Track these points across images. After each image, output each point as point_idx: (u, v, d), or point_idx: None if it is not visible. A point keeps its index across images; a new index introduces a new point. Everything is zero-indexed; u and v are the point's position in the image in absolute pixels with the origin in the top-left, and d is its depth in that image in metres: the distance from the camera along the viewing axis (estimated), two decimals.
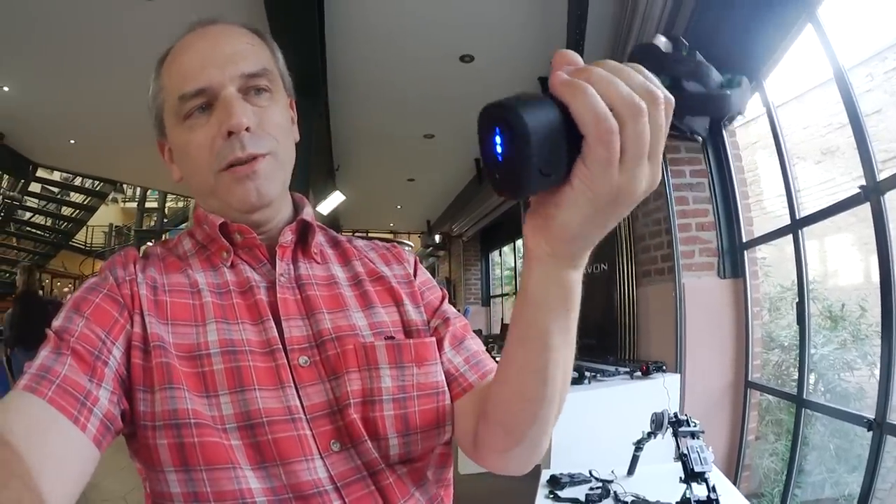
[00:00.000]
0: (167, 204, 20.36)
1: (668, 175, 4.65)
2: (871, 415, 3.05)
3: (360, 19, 4.97)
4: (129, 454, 0.93)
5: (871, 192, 3.02)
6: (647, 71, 0.57)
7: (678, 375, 4.44)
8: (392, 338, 1.02)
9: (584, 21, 4.37)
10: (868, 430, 3.03)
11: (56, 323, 0.88)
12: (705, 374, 4.52)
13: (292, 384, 0.92)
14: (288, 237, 1.05)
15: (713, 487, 2.23)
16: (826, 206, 3.58)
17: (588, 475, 2.83)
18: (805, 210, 3.89)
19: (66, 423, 0.76)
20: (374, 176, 10.68)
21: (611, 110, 0.54)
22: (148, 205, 20.73)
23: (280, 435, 0.87)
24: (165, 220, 19.91)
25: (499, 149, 0.54)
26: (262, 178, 0.97)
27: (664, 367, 4.43)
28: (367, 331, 1.01)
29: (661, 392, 4.06)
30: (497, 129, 0.54)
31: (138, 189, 19.77)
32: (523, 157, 0.52)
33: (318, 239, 1.12)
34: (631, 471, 2.88)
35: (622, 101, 0.54)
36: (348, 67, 5.78)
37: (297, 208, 1.12)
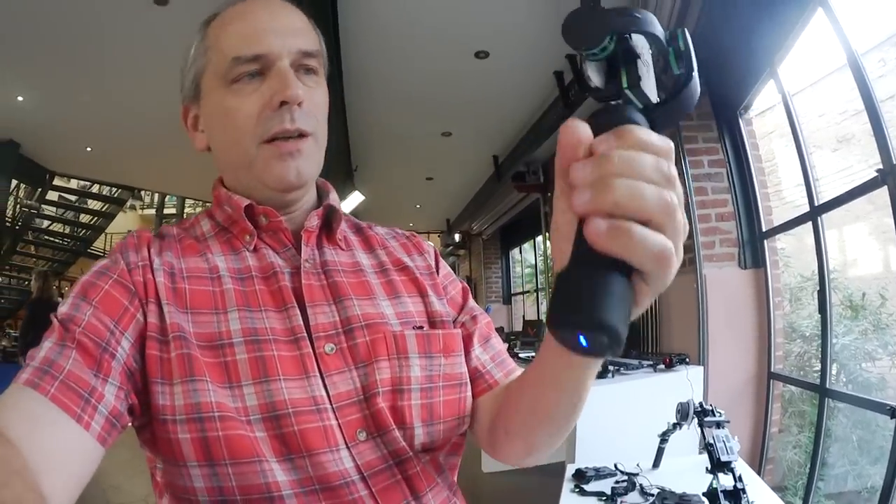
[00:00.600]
0: (185, 210, 20.34)
1: (686, 166, 4.64)
2: (893, 402, 3.03)
3: (373, 15, 4.97)
4: (139, 443, 0.92)
5: (888, 176, 3.01)
6: (646, 133, 0.51)
7: (701, 367, 4.43)
8: (420, 327, 1.02)
9: None
10: (891, 418, 3.01)
11: (62, 309, 0.85)
12: (728, 365, 4.51)
13: (318, 373, 0.90)
14: (314, 222, 1.03)
15: (740, 477, 2.22)
16: (844, 192, 3.57)
17: (613, 468, 2.83)
18: (823, 198, 3.87)
19: (69, 422, 0.74)
20: (392, 175, 10.65)
21: (649, 221, 0.49)
22: (166, 211, 20.67)
23: (306, 426, 0.85)
24: None
25: (584, 342, 0.49)
26: (304, 158, 0.96)
27: (687, 360, 4.41)
28: (394, 320, 1.00)
29: (684, 384, 4.05)
30: (580, 333, 0.48)
31: (156, 196, 19.78)
32: (616, 343, 0.48)
33: (342, 225, 1.10)
34: (656, 463, 2.89)
35: (656, 211, 0.49)
36: (362, 65, 5.77)
37: (320, 194, 1.11)
